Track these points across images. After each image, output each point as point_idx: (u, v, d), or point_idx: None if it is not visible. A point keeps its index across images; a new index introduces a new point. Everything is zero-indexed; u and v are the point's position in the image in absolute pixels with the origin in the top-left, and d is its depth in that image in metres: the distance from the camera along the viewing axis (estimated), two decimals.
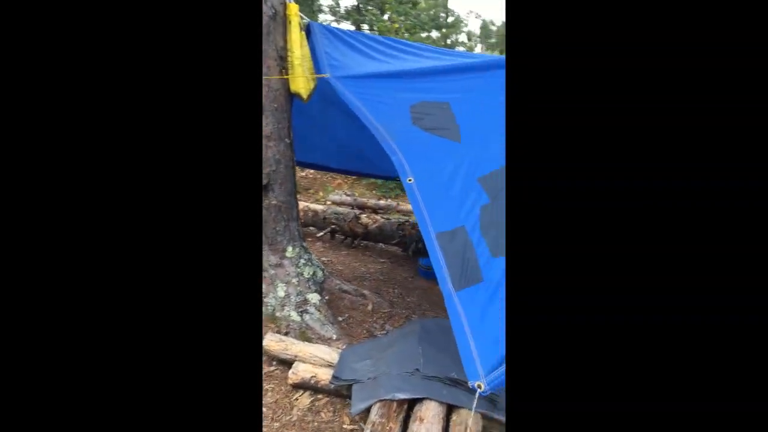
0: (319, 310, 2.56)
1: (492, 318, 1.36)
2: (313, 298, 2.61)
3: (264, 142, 2.46)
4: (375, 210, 5.31)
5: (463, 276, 1.46)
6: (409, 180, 1.75)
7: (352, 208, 5.26)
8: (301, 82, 2.43)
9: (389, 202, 5.53)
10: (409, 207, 5.41)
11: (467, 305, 1.38)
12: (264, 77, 2.37)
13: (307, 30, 2.56)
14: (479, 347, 1.29)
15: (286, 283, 2.61)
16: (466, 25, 15.26)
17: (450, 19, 13.59)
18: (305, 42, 2.47)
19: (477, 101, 2.00)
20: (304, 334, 2.40)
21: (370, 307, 2.79)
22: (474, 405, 1.27)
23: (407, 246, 3.71)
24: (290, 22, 2.40)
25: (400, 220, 3.96)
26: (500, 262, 1.49)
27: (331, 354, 2.08)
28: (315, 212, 4.13)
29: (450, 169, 1.77)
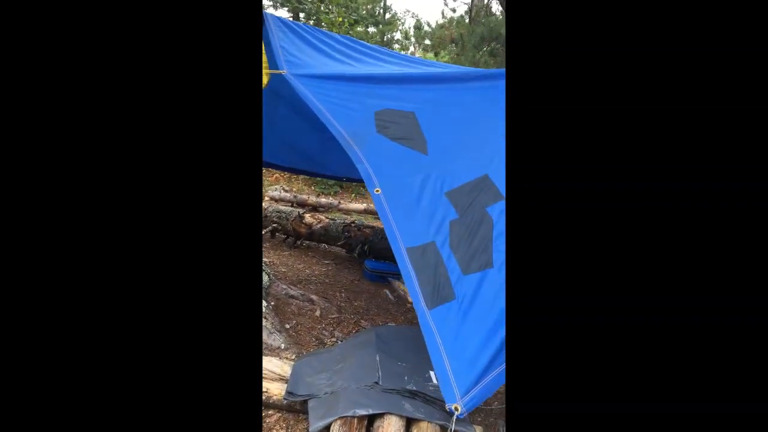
0: (265, 318, 2.44)
1: (465, 337, 1.37)
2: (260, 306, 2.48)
3: None
4: (316, 208, 5.20)
5: (435, 293, 1.45)
6: (377, 191, 1.71)
7: (292, 206, 5.11)
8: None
9: (330, 200, 5.44)
10: (351, 206, 5.37)
11: (441, 324, 1.38)
12: None
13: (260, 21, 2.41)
14: (455, 368, 1.29)
15: None
16: (403, 24, 15.41)
17: (387, 16, 13.64)
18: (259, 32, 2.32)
19: (443, 113, 2.00)
20: None
21: (318, 313, 2.71)
22: (452, 428, 1.26)
23: (353, 248, 3.67)
24: None
25: (346, 221, 3.90)
26: (471, 280, 1.50)
27: (282, 367, 1.99)
28: None
29: (418, 181, 1.75)
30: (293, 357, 2.19)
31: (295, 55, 2.30)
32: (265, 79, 2.33)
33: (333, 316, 2.72)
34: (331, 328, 2.60)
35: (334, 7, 8.63)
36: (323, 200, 5.35)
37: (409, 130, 1.94)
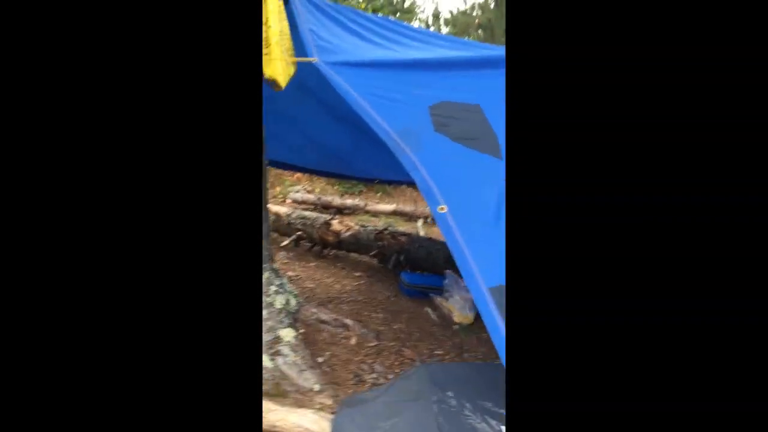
0: (294, 351, 2.08)
1: None
2: (288, 335, 2.12)
3: None
4: (341, 210, 4.84)
5: None
6: (441, 209, 1.31)
7: (315, 208, 4.75)
8: (279, 66, 1.90)
9: (356, 200, 5.06)
10: (379, 207, 4.99)
11: None
12: None
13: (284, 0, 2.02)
14: None
15: None
16: (423, 11, 14.88)
17: (406, 4, 13.17)
18: (284, 14, 1.93)
19: None
20: (279, 387, 1.92)
21: (354, 341, 2.34)
22: None
23: (386, 259, 3.28)
24: None
25: (377, 227, 3.51)
26: None
27: (319, 422, 1.62)
28: (278, 215, 3.59)
29: (495, 195, 1.35)
30: (330, 403, 1.83)
31: (327, 40, 1.91)
32: (291, 70, 1.94)
33: (371, 344, 2.35)
34: (371, 360, 2.23)
35: None
36: (348, 201, 4.97)
37: (475, 128, 1.53)
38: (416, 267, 3.25)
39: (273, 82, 1.94)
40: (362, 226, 3.47)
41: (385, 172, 3.36)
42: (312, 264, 3.37)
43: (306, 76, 2.05)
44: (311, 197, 4.83)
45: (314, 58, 1.77)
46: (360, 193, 6.04)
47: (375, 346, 2.35)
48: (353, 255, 3.56)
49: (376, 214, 4.88)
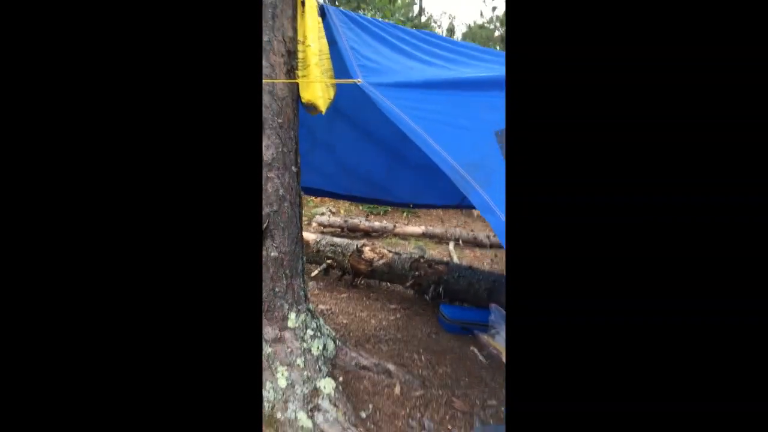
0: (335, 405, 1.85)
1: None
2: (326, 386, 1.89)
3: (264, 171, 1.73)
4: (368, 233, 4.63)
5: None
6: None
7: (342, 231, 4.55)
8: (319, 89, 1.71)
9: (384, 222, 4.85)
10: (408, 229, 4.76)
11: None
12: (265, 80, 1.63)
13: (321, 14, 1.84)
14: None
15: (288, 366, 1.87)
16: (439, 26, 14.79)
17: (423, 19, 13.08)
18: (323, 31, 1.75)
19: None
20: None
21: (398, 390, 2.10)
22: None
23: (424, 290, 3.04)
24: (304, 2, 1.67)
25: (412, 255, 3.28)
26: None
27: None
28: (306, 243, 3.38)
29: None
30: None
31: (371, 58, 1.71)
32: (331, 93, 1.75)
33: (417, 394, 2.10)
34: (418, 414, 1.98)
35: (369, 12, 8.08)
36: (376, 224, 4.76)
37: None
38: (456, 299, 3.01)
39: (312, 107, 1.75)
40: (396, 253, 3.24)
41: (419, 197, 3.15)
42: (343, 295, 3.15)
43: (338, 97, 1.86)
44: (337, 220, 4.63)
45: (359, 80, 1.57)
46: (385, 213, 5.83)
47: (421, 395, 2.10)
48: (386, 284, 3.33)
49: (405, 236, 4.65)
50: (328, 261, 3.28)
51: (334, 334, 2.16)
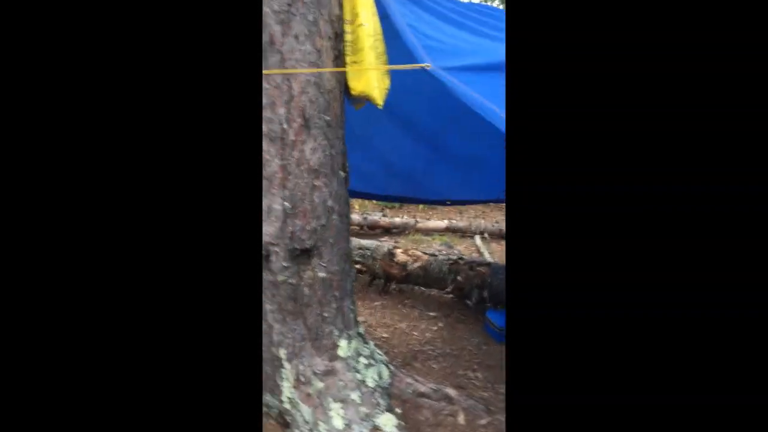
0: None
1: None
2: (387, 423, 1.64)
3: (308, 179, 1.44)
4: (389, 230, 4.36)
5: None
6: None
7: (362, 229, 4.28)
8: (374, 78, 1.42)
9: (405, 218, 4.57)
10: (431, 224, 4.49)
11: None
12: (312, 70, 1.34)
13: None
14: None
15: (343, 403, 1.62)
16: None
17: None
18: (375, 8, 1.45)
19: None
20: None
21: (461, 418, 1.85)
22: None
23: (466, 295, 2.79)
24: None
25: (449, 256, 3.02)
26: None
27: None
28: None
29: None
30: None
31: (434, 37, 1.42)
32: (386, 82, 1.46)
33: (483, 422, 1.85)
34: None
35: None
36: (397, 220, 4.48)
37: None
38: (500, 303, 2.76)
39: (365, 99, 1.46)
40: (432, 255, 2.98)
41: (456, 192, 2.88)
42: (377, 303, 2.89)
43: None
44: (357, 217, 4.35)
45: (427, 64, 1.28)
46: (401, 206, 5.55)
47: (488, 423, 1.86)
48: (420, 289, 3.07)
49: (428, 232, 4.39)
50: (357, 266, 3.01)
51: (386, 358, 1.90)
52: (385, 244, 3.11)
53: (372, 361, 1.76)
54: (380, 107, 1.44)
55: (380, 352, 1.89)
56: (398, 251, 3.01)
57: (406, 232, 4.38)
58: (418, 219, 4.51)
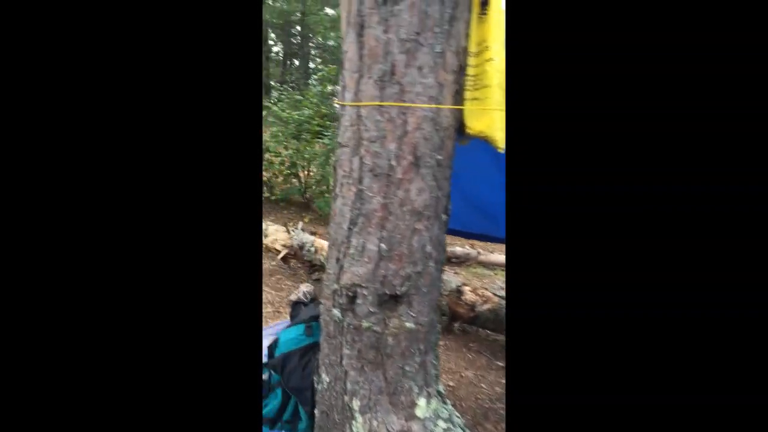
0: None
1: None
2: None
3: (410, 221, 1.31)
4: (449, 258, 4.15)
5: None
6: None
7: None
8: (500, 118, 1.27)
9: (466, 249, 4.37)
10: (494, 258, 4.25)
11: None
12: (429, 105, 1.21)
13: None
14: None
15: None
16: None
17: None
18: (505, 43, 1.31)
19: None
20: None
21: None
22: None
23: None
24: (489, 4, 1.24)
25: None
26: None
27: None
28: None
29: None
30: None
31: None
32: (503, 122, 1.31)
33: None
34: None
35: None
36: (458, 249, 4.29)
37: None
38: None
39: (486, 141, 1.31)
40: (503, 297, 2.76)
41: None
42: (440, 343, 2.70)
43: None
44: None
45: None
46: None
47: None
48: (486, 332, 2.86)
49: (491, 266, 4.16)
50: None
51: (463, 421, 1.72)
52: (453, 279, 2.93)
53: (450, 426, 1.59)
54: (501, 151, 1.29)
55: (458, 415, 1.70)
56: (466, 289, 2.83)
57: (467, 263, 4.17)
58: (480, 251, 4.29)
